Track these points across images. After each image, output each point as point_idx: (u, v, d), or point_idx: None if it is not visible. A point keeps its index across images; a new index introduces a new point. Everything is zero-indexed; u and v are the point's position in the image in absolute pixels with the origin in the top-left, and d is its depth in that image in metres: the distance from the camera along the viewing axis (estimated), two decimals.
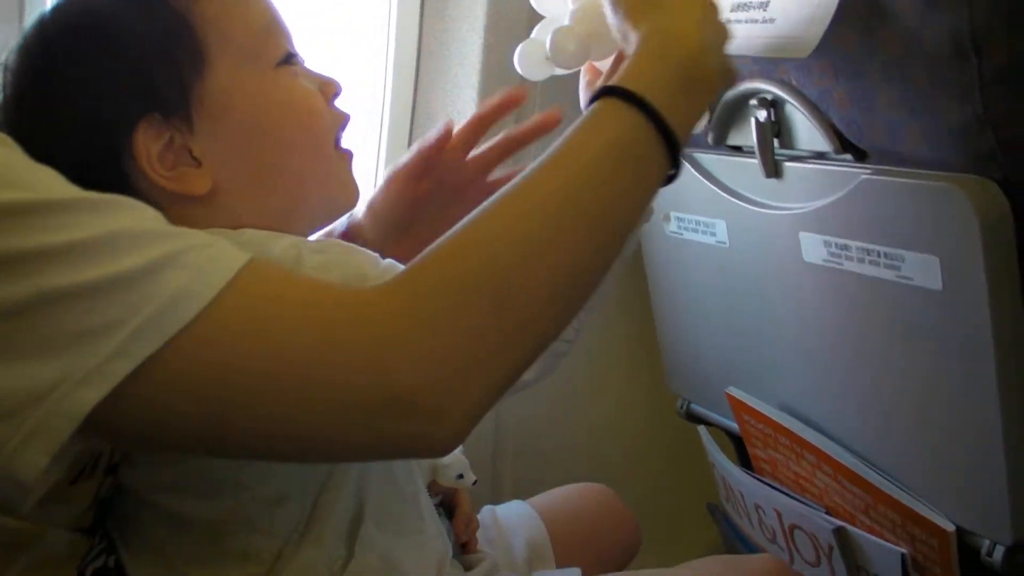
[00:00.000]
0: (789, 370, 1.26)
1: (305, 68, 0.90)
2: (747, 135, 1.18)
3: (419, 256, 0.71)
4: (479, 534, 1.17)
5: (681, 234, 1.37)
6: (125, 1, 0.83)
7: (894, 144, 1.01)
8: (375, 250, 0.84)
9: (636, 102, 0.77)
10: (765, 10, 1.03)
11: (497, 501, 1.32)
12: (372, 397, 0.64)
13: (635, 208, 0.78)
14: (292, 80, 0.87)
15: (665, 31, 0.83)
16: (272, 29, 0.87)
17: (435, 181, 1.02)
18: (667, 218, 1.39)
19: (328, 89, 0.90)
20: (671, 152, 0.78)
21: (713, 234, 1.30)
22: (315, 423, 0.65)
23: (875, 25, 0.97)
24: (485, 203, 0.73)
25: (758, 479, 1.38)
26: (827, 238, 1.10)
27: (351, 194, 0.92)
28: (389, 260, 0.83)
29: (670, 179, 0.81)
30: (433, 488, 1.17)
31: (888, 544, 1.16)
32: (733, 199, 1.24)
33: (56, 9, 0.84)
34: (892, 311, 1.05)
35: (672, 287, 1.48)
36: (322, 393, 0.64)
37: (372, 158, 1.63)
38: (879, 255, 1.03)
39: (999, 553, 1.04)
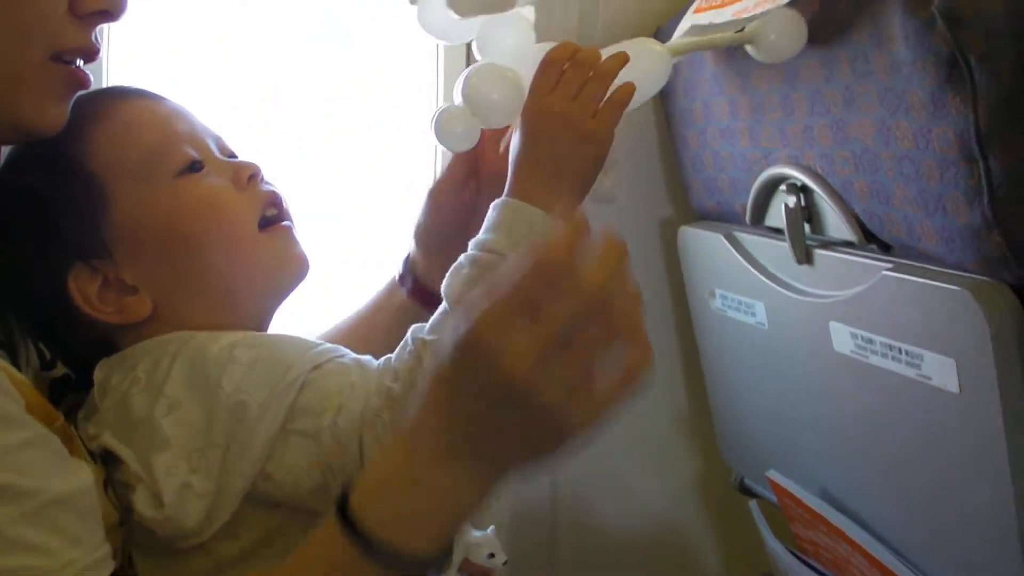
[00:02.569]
0: (824, 456, 1.24)
1: (217, 162, 0.91)
2: (783, 218, 1.17)
3: None
4: None
5: (725, 311, 1.36)
6: (40, 166, 0.87)
7: (913, 240, 0.99)
8: (437, 270, 0.88)
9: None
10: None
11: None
12: None
13: None
14: (193, 184, 0.89)
15: None
16: (167, 143, 0.90)
17: (477, 182, 1.03)
18: (712, 294, 1.38)
19: (241, 174, 0.92)
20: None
21: (753, 314, 1.29)
22: None
23: (889, 119, 0.95)
24: None
25: (801, 559, 1.35)
26: (854, 330, 1.08)
27: (294, 266, 0.94)
28: (324, 346, 0.85)
29: None
30: (465, 567, 1.18)
31: None
32: (770, 282, 1.22)
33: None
34: (913, 408, 1.03)
35: (720, 362, 1.47)
36: None
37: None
38: (901, 352, 1.01)
39: None
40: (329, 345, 0.86)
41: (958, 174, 0.89)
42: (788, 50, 1.02)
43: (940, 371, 0.96)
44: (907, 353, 1.00)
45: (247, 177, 0.92)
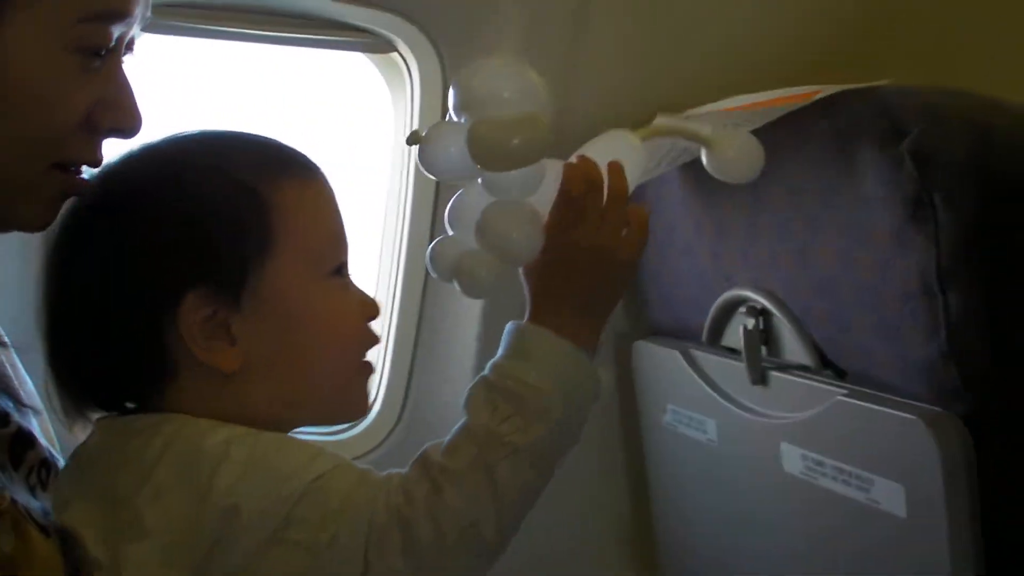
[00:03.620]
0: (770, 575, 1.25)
1: (351, 281, 0.91)
2: (740, 339, 1.20)
3: None
4: None
5: (676, 427, 1.38)
6: (205, 171, 0.85)
7: (869, 367, 1.02)
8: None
9: None
10: None
11: None
12: None
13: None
14: (340, 292, 0.88)
15: None
16: (337, 236, 0.89)
17: None
18: (664, 410, 1.40)
19: (369, 310, 0.91)
20: None
21: (704, 431, 1.31)
22: None
23: (853, 250, 0.99)
24: None
25: None
26: (805, 452, 1.10)
27: (362, 407, 0.95)
28: (327, 455, 0.82)
29: None
30: None
31: None
32: (723, 400, 1.25)
33: (131, 161, 0.87)
34: (860, 531, 1.05)
35: (668, 478, 1.48)
36: None
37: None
38: (850, 476, 1.03)
39: None
40: (332, 453, 0.84)
41: (917, 307, 0.93)
42: (740, 173, 0.96)
43: (889, 496, 0.99)
44: (857, 477, 1.02)
45: (371, 316, 0.92)
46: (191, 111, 1.60)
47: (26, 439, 0.95)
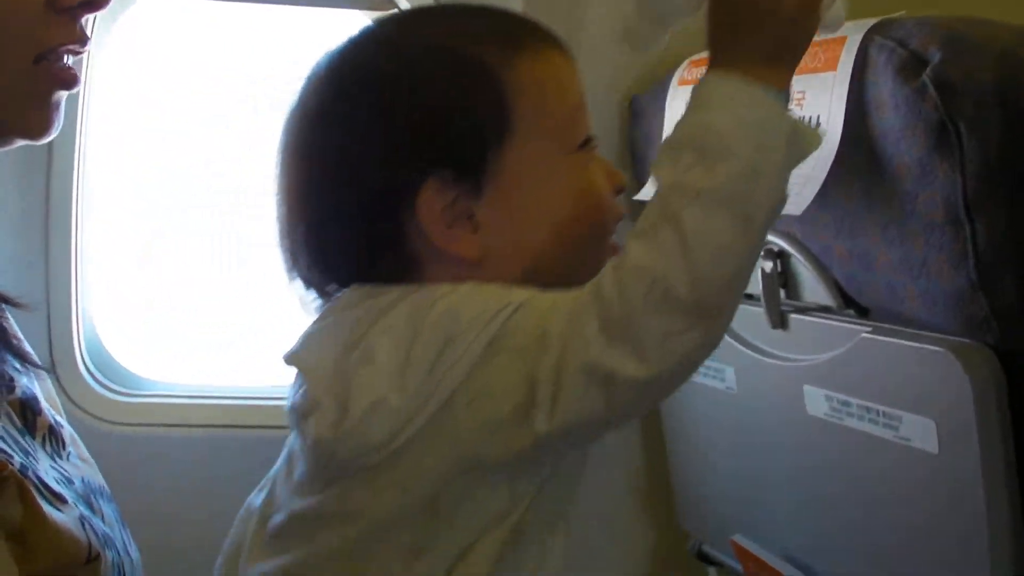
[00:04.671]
0: (793, 520, 1.25)
1: (596, 154, 0.87)
2: (757, 284, 1.19)
3: None
4: None
5: (693, 377, 1.37)
6: (437, 51, 0.83)
7: (894, 304, 1.01)
8: None
9: None
10: None
11: None
12: None
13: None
14: (587, 168, 0.85)
15: None
16: (579, 108, 0.86)
17: None
18: None
19: (616, 181, 0.87)
20: None
21: (723, 380, 1.30)
22: None
23: (874, 185, 0.98)
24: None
25: None
26: (829, 393, 1.09)
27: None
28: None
29: None
30: None
31: None
32: (741, 347, 1.24)
33: (362, 46, 0.86)
34: (890, 470, 1.04)
35: (684, 428, 1.48)
36: None
37: None
38: (878, 414, 1.03)
39: None
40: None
41: (943, 238, 0.92)
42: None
43: (919, 432, 0.98)
44: (885, 415, 1.02)
45: (619, 189, 0.88)
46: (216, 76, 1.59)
47: (33, 404, 0.94)
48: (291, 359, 0.85)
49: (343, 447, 0.78)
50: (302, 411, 0.82)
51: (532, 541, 0.82)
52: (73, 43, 0.83)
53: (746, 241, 0.73)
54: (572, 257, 0.84)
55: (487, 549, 0.80)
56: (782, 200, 0.76)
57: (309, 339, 0.86)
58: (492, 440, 0.76)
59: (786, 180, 0.76)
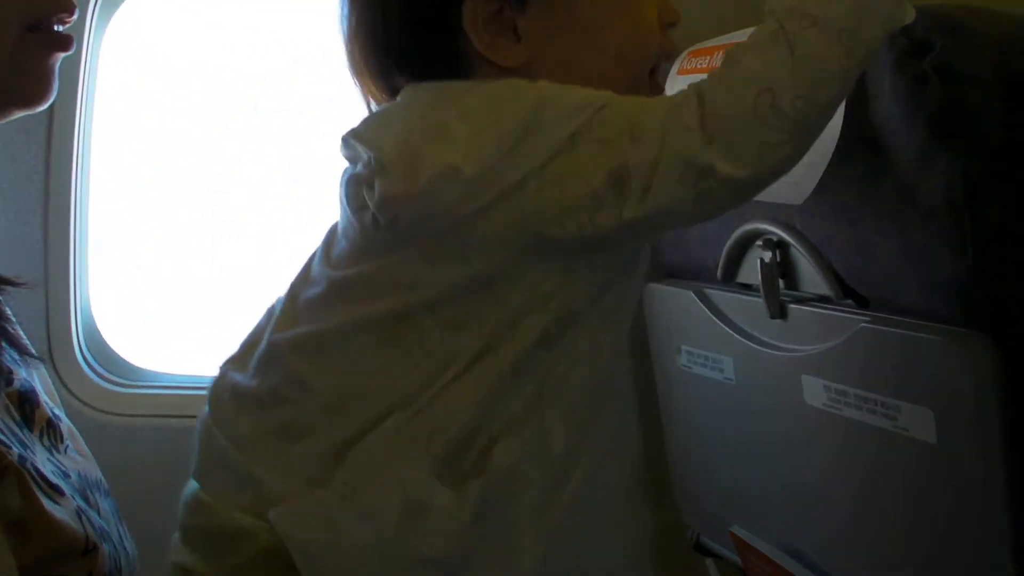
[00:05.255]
0: (791, 511, 1.25)
1: None
2: (756, 274, 1.19)
3: None
4: None
5: (691, 368, 1.37)
6: None
7: (893, 293, 1.01)
8: None
9: None
10: None
11: None
12: None
13: None
14: None
15: None
16: None
17: None
18: (678, 351, 1.39)
19: (667, 15, 0.91)
20: None
21: (721, 370, 1.30)
22: None
23: (874, 174, 0.98)
24: None
25: None
26: (827, 383, 1.09)
27: None
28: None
29: None
30: None
31: None
32: (740, 337, 1.24)
33: None
34: (888, 460, 1.04)
35: (683, 420, 1.47)
36: None
37: None
38: (876, 404, 1.02)
39: None
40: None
41: (944, 226, 0.92)
42: None
43: (917, 422, 0.98)
44: (883, 405, 1.02)
45: (669, 22, 0.91)
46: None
47: (31, 397, 0.94)
48: (351, 135, 0.87)
49: (412, 206, 0.81)
50: (365, 179, 0.83)
51: (582, 333, 0.86)
52: (61, 11, 0.85)
53: (845, 73, 0.79)
54: (614, 82, 0.86)
55: (530, 330, 0.83)
56: (877, 50, 0.83)
57: (372, 120, 0.89)
58: (561, 222, 0.79)
59: (883, 34, 0.82)
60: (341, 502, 0.82)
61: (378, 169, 0.82)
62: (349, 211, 0.87)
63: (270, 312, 0.94)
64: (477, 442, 0.84)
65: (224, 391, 0.91)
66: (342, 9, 0.91)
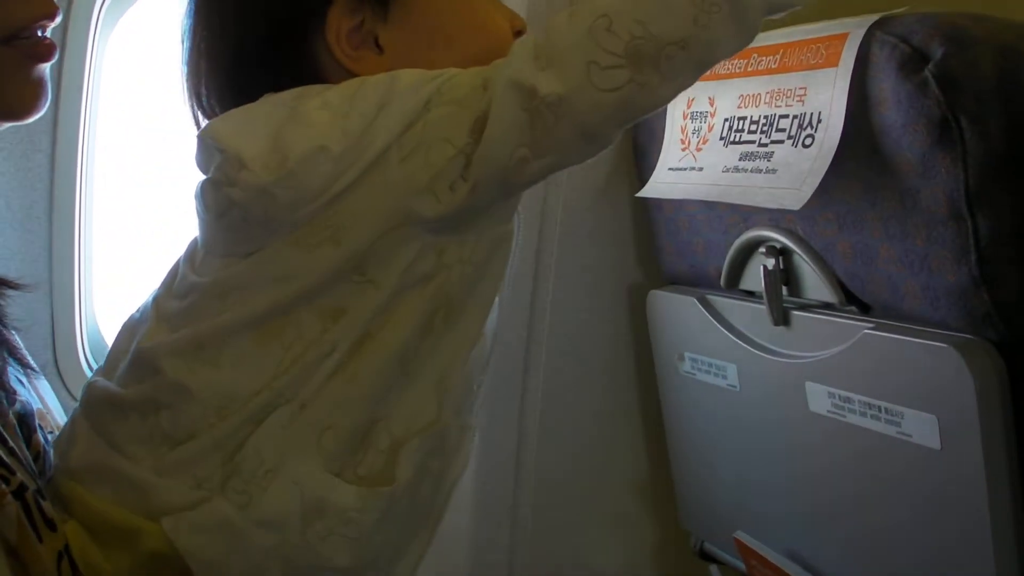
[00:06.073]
0: (795, 517, 1.25)
1: None
2: (759, 281, 1.19)
3: None
4: None
5: (694, 375, 1.37)
6: None
7: (895, 300, 1.01)
8: None
9: None
10: (769, 160, 1.05)
11: None
12: None
13: None
14: (489, 4, 0.90)
15: None
16: None
17: None
18: (681, 358, 1.39)
19: (516, 23, 0.92)
20: None
21: (724, 377, 1.30)
22: None
23: (876, 181, 0.98)
24: None
25: None
26: (831, 389, 1.09)
27: None
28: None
29: None
30: None
31: None
32: (744, 344, 1.24)
33: None
34: (892, 466, 1.04)
35: (686, 426, 1.47)
36: None
37: None
38: (880, 410, 1.03)
39: None
40: None
41: (945, 233, 0.92)
42: None
43: (921, 428, 0.98)
44: (887, 411, 1.02)
45: (518, 31, 0.91)
46: None
47: (29, 421, 0.94)
48: (210, 135, 0.85)
49: (283, 192, 0.80)
50: (224, 181, 0.82)
51: (464, 319, 0.85)
52: (42, 19, 0.84)
53: (695, 17, 0.75)
54: None
55: (409, 316, 0.82)
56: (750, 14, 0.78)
57: (227, 118, 0.87)
58: (432, 189, 0.79)
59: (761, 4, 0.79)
60: (239, 512, 0.81)
61: (237, 167, 0.81)
62: (210, 218, 0.86)
63: (128, 328, 0.93)
64: (374, 439, 0.84)
65: (99, 400, 0.89)
66: (187, 20, 0.91)
